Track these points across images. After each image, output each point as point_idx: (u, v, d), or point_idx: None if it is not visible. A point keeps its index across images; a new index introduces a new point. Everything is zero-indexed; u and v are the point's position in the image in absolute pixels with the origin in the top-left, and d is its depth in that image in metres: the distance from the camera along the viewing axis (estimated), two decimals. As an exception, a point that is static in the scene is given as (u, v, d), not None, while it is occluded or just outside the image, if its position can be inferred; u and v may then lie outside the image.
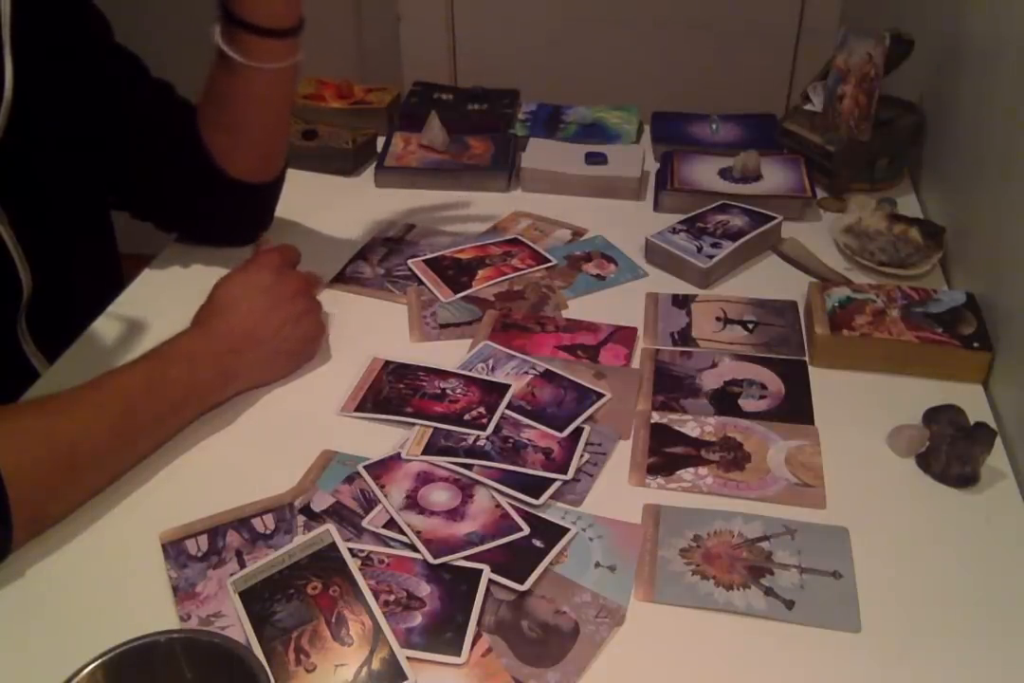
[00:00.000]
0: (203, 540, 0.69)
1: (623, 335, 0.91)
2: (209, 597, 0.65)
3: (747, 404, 0.83)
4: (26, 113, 0.84)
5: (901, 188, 1.17)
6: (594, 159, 1.18)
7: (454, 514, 0.70)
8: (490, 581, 0.65)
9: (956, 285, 0.99)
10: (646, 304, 0.96)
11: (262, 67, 0.89)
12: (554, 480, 0.74)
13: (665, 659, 0.62)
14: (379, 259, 1.04)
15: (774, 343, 0.90)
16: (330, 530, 0.68)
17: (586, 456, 0.77)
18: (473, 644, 0.61)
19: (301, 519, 0.71)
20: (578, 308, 0.96)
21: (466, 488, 0.73)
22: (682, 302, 0.96)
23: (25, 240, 0.89)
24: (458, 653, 0.61)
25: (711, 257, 0.98)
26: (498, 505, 0.71)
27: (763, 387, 0.84)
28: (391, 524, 0.70)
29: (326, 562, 0.66)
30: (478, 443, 0.77)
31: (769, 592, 0.65)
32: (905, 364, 0.86)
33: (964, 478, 0.74)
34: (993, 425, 0.76)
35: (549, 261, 1.02)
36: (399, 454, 0.76)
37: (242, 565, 0.67)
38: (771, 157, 1.16)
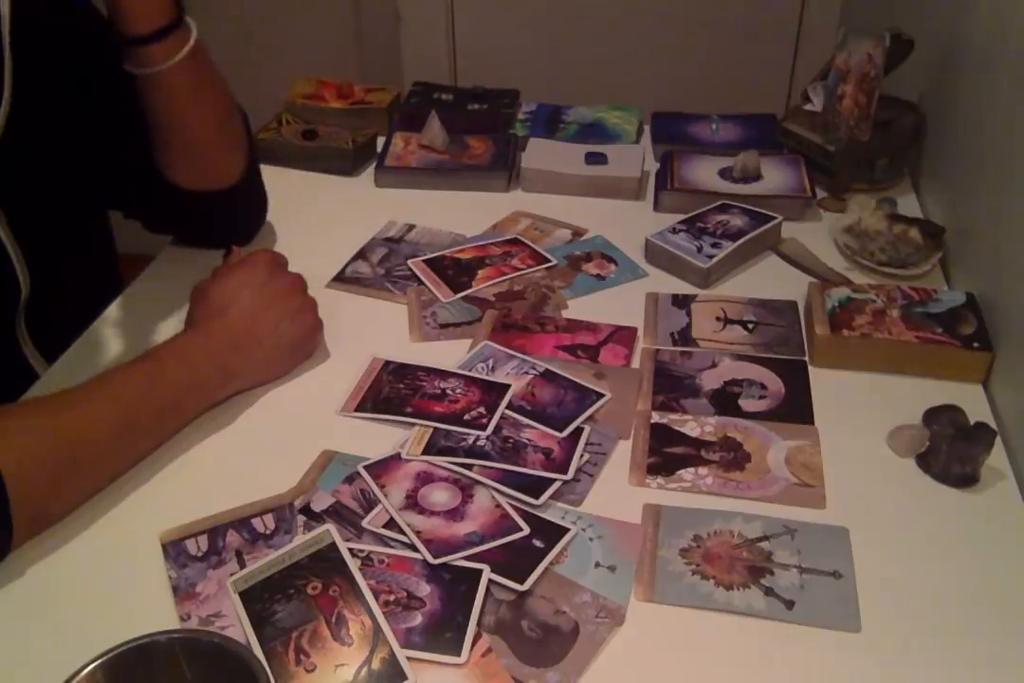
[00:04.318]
0: (203, 540, 0.69)
1: (623, 335, 0.91)
2: (209, 597, 0.65)
3: (747, 404, 0.83)
4: (25, 113, 0.84)
5: (901, 188, 1.17)
6: (594, 159, 1.18)
7: (454, 514, 0.70)
8: (490, 581, 0.65)
9: (956, 285, 0.99)
10: (646, 304, 0.96)
11: (153, 71, 0.86)
12: (554, 480, 0.74)
13: (665, 659, 0.62)
14: (379, 259, 1.04)
15: (774, 343, 0.90)
16: (330, 530, 0.68)
17: (586, 456, 0.77)
18: (473, 644, 0.61)
19: (301, 519, 0.71)
20: (578, 308, 0.96)
21: (466, 488, 0.73)
22: (682, 302, 0.96)
23: (24, 240, 0.89)
24: (458, 653, 0.61)
25: (711, 257, 0.98)
26: (498, 505, 0.71)
27: (763, 387, 0.84)
28: (391, 524, 0.70)
29: (326, 562, 0.66)
30: (478, 443, 0.77)
31: (769, 592, 0.65)
32: (905, 364, 0.86)
33: (964, 478, 0.74)
34: (993, 425, 0.76)
35: (549, 261, 1.02)
36: (399, 454, 0.76)
37: (242, 565, 0.67)
38: (771, 157, 1.16)
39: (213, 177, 0.96)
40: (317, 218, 1.11)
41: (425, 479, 0.74)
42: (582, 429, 0.79)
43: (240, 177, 0.98)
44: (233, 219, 1.03)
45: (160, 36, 0.85)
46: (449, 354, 0.88)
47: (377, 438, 0.78)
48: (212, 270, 0.87)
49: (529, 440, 0.77)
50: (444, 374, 0.84)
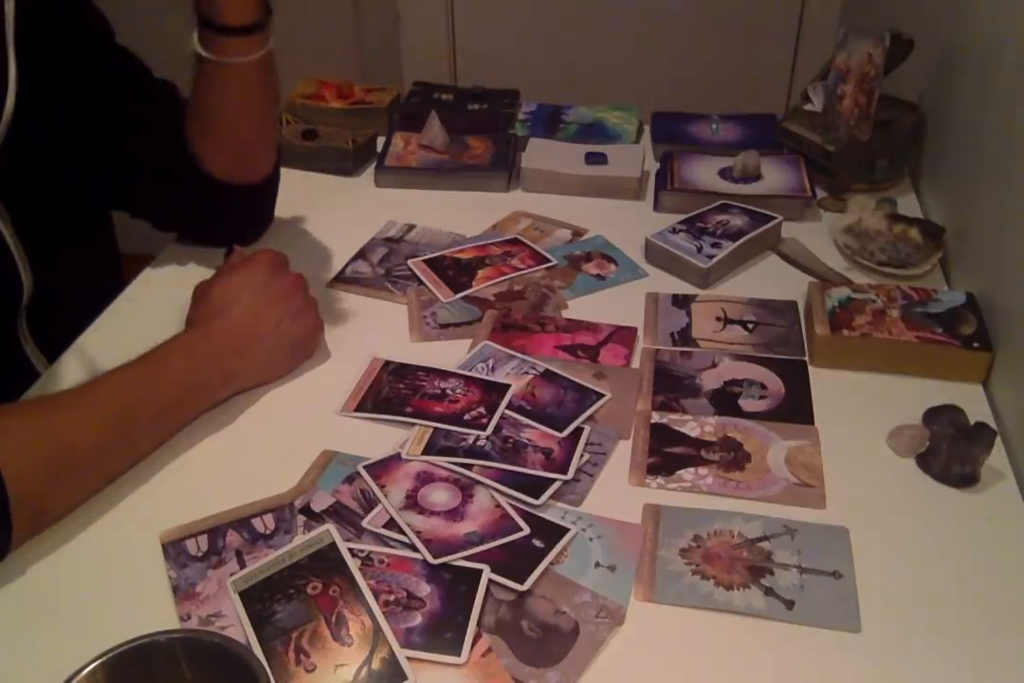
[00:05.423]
0: (203, 540, 0.69)
1: (623, 335, 0.91)
2: (209, 597, 0.65)
3: (747, 404, 0.83)
4: (30, 114, 0.84)
5: (901, 188, 1.17)
6: (594, 159, 1.18)
7: (454, 514, 0.70)
8: (490, 581, 0.65)
9: (956, 285, 0.99)
10: (646, 304, 0.96)
11: (230, 62, 0.89)
12: (554, 480, 0.74)
13: (665, 659, 0.62)
14: (379, 259, 1.04)
15: (774, 343, 0.90)
16: (330, 530, 0.68)
17: (586, 456, 0.77)
18: (473, 644, 0.61)
19: (301, 519, 0.71)
20: (578, 308, 0.96)
21: (466, 488, 0.73)
22: (682, 302, 0.96)
23: (27, 240, 0.89)
24: (458, 653, 0.61)
25: (711, 257, 0.98)
26: (498, 505, 0.71)
27: (763, 387, 0.84)
28: (391, 524, 0.70)
29: (326, 562, 0.66)
30: (478, 443, 0.77)
31: (769, 592, 0.65)
32: (905, 364, 0.86)
33: (964, 478, 0.74)
34: (993, 425, 0.76)
35: (549, 261, 1.02)
36: (399, 454, 0.76)
37: (242, 565, 0.67)
38: (771, 157, 1.16)
39: (250, 170, 0.99)
40: (317, 218, 1.11)
41: (425, 479, 0.74)
42: (582, 429, 0.79)
43: (269, 174, 1.01)
44: (251, 214, 1.04)
45: (246, 32, 0.88)
46: (449, 354, 0.88)
47: (377, 438, 0.78)
48: (216, 269, 0.88)
49: (529, 440, 0.77)
50: (444, 374, 0.84)
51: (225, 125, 0.94)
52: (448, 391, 0.82)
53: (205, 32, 0.88)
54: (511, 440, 0.77)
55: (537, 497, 0.72)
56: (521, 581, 0.65)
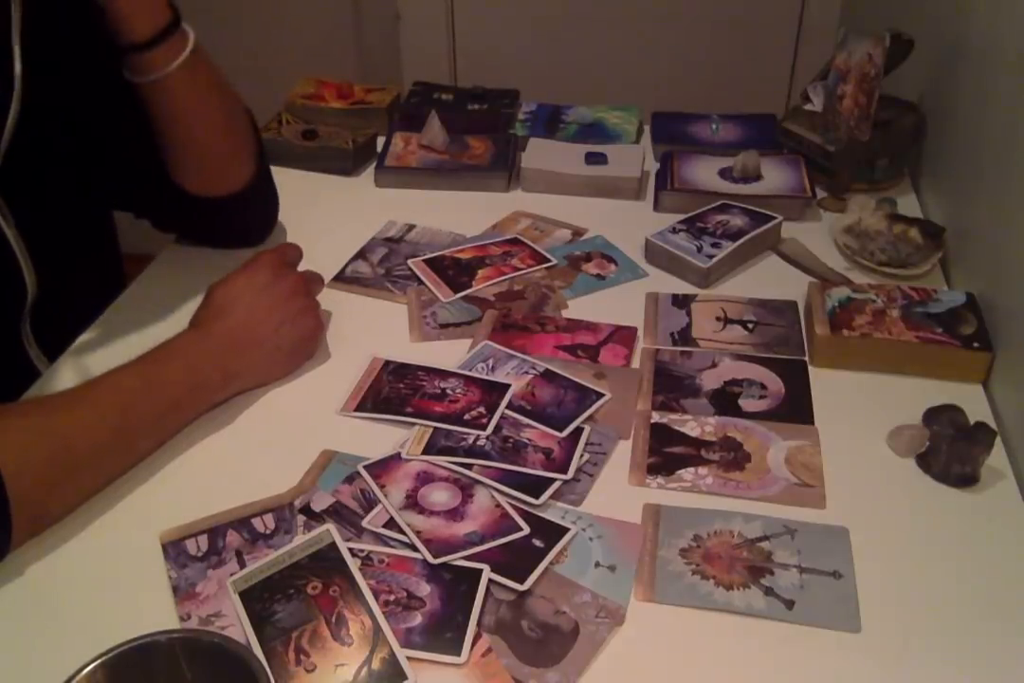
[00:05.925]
0: (203, 540, 0.69)
1: (623, 335, 0.91)
2: (209, 597, 0.65)
3: (747, 404, 0.83)
4: (35, 117, 0.84)
5: (901, 188, 1.17)
6: (594, 159, 1.18)
7: (454, 514, 0.70)
8: (490, 581, 0.65)
9: (956, 285, 0.99)
10: (646, 304, 0.96)
11: (144, 80, 0.86)
12: (554, 480, 0.74)
13: (665, 659, 0.62)
14: (379, 259, 1.04)
15: (774, 343, 0.90)
16: (330, 530, 0.68)
17: (586, 456, 0.77)
18: (473, 644, 0.61)
19: (301, 519, 0.71)
20: (578, 308, 0.96)
21: (466, 488, 0.73)
22: (682, 302, 0.96)
23: (30, 242, 0.89)
24: (458, 653, 0.61)
25: (711, 257, 0.98)
26: (498, 505, 0.71)
27: (763, 387, 0.84)
28: (391, 524, 0.70)
29: (326, 562, 0.66)
30: (478, 443, 0.77)
31: (769, 592, 0.65)
32: (905, 364, 0.86)
33: (964, 478, 0.74)
34: (993, 425, 0.76)
35: (549, 261, 1.02)
36: (399, 454, 0.76)
37: (242, 565, 0.67)
38: (771, 157, 1.16)
39: (221, 182, 0.96)
40: (317, 218, 1.11)
41: (425, 479, 0.74)
42: (582, 429, 0.79)
43: (249, 182, 0.97)
44: (244, 223, 1.03)
45: (159, 40, 0.85)
46: (449, 354, 0.88)
47: (377, 438, 0.78)
48: (217, 270, 0.88)
49: (529, 440, 0.77)
50: (444, 374, 0.84)
51: (181, 141, 0.91)
52: (448, 391, 0.82)
53: (127, 57, 0.86)
54: (511, 440, 0.77)
55: (537, 497, 0.72)
56: (521, 581, 0.65)
